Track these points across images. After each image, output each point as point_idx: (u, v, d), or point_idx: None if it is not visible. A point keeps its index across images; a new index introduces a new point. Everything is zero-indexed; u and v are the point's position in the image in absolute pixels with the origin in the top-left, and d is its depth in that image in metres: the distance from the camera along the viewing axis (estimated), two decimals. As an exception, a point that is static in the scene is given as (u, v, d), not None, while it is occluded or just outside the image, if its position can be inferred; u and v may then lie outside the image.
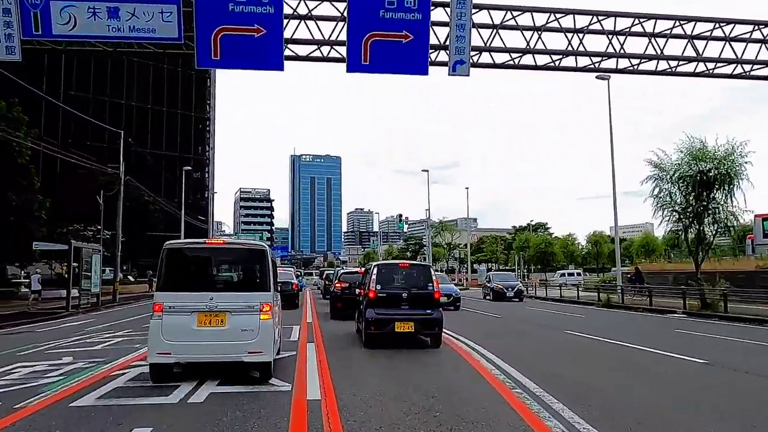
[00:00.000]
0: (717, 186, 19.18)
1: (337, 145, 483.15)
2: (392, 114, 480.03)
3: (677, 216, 20.53)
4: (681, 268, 29.37)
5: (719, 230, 20.09)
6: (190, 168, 48.52)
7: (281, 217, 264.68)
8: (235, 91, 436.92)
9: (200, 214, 66.13)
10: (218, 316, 7.73)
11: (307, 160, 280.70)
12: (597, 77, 23.57)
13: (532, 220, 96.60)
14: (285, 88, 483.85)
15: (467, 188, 58.87)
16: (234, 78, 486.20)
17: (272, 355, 8.12)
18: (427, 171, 50.08)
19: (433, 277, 11.75)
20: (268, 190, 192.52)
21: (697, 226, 20.10)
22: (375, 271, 11.67)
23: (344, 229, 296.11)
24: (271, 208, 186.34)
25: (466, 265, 70.15)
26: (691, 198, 19.93)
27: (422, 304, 11.33)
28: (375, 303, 11.24)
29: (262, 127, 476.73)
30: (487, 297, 33.58)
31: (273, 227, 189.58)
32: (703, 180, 19.26)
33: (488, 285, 34.43)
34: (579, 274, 62.01)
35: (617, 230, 26.82)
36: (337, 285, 19.22)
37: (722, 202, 19.43)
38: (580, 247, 79.70)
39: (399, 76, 19.33)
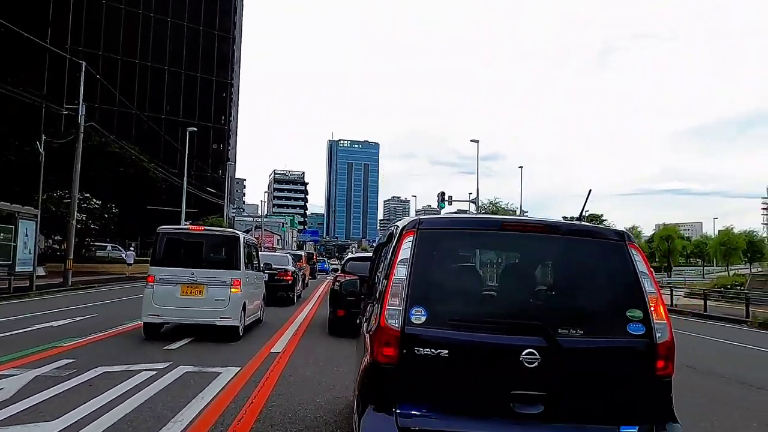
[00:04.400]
0: None
1: (375, 133, 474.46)
2: (431, 104, 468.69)
3: None
4: None
5: None
6: (194, 129, 41.38)
7: (317, 203, 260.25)
8: (274, 74, 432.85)
9: (219, 189, 59.74)
10: (198, 287, 9.74)
11: (345, 145, 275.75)
12: None
13: (587, 211, 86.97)
14: (325, 72, 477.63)
15: (521, 167, 49.91)
16: (276, 58, 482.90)
17: (240, 321, 10.03)
18: (477, 141, 41.76)
19: (647, 283, 3.05)
20: (303, 173, 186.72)
21: None
22: (408, 254, 3.02)
23: (380, 217, 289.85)
24: (306, 192, 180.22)
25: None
26: None
27: (603, 394, 2.91)
28: (405, 381, 2.88)
29: (301, 110, 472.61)
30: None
31: (306, 211, 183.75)
32: None
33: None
34: (650, 274, 53.02)
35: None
36: (339, 279, 11.47)
37: None
38: (644, 241, 70.02)
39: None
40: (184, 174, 38.90)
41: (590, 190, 4.70)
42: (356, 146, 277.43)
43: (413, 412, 2.85)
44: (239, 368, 7.49)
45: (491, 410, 2.87)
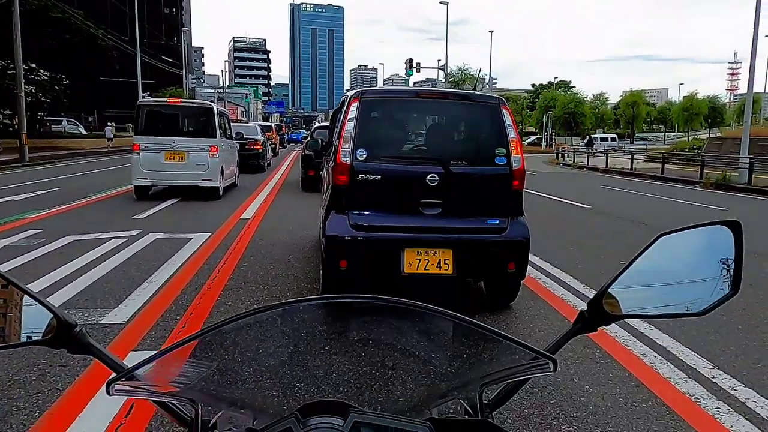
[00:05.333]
0: None
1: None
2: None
3: None
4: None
5: None
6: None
7: (281, 73, 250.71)
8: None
9: (176, 59, 56.46)
10: (179, 153, 11.09)
11: (308, 9, 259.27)
12: None
13: (556, 77, 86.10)
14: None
15: (491, 32, 48.05)
16: None
17: (219, 183, 11.45)
18: (447, 3, 39.69)
19: (511, 132, 4.48)
20: (264, 40, 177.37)
21: None
22: (354, 113, 4.37)
23: (347, 86, 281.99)
24: (268, 60, 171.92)
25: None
26: None
27: (479, 202, 4.49)
28: (353, 196, 4.37)
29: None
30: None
31: (270, 81, 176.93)
32: None
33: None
34: (614, 140, 54.10)
35: (753, 68, 18.11)
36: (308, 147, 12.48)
37: None
38: (610, 108, 70.50)
39: None
40: (136, 40, 36.36)
41: (480, 69, 6.06)
42: (320, 10, 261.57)
43: (358, 214, 4.31)
44: (210, 234, 7.63)
45: (408, 212, 4.35)
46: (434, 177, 4.27)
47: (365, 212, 4.32)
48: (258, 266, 5.93)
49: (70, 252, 6.35)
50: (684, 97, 72.32)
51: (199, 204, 10.94)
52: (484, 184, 4.46)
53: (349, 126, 4.31)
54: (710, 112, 64.73)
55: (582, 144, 47.06)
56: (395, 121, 4.83)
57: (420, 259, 4.23)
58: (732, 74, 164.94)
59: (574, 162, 32.47)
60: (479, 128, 4.80)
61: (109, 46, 38.36)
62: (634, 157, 26.42)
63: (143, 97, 35.45)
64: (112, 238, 7.15)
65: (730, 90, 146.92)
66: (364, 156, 4.28)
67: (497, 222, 4.41)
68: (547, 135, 57.02)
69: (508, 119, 4.48)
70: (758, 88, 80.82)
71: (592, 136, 55.68)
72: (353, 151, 4.27)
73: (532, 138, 65.79)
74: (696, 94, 66.19)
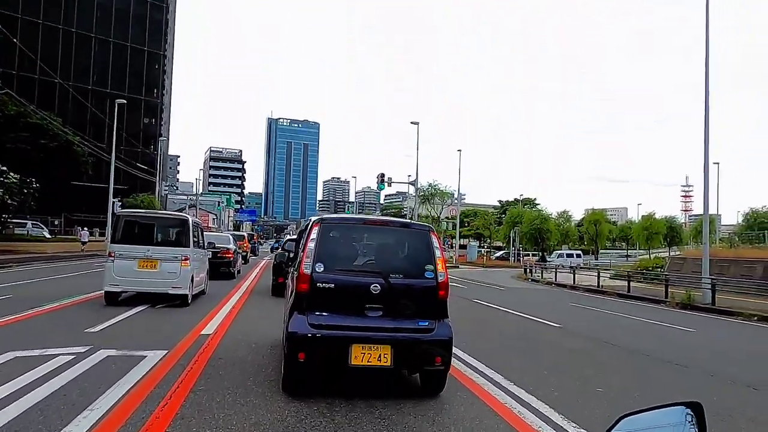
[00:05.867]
0: None
1: (316, 112, 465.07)
2: (374, 85, 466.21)
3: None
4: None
5: None
6: (123, 101, 39.25)
7: (255, 182, 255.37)
8: (211, 46, 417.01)
9: (152, 167, 57.10)
10: (152, 262, 11.35)
11: (285, 124, 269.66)
12: None
13: (521, 195, 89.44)
14: (264, 47, 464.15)
15: (459, 150, 50.62)
16: (212, 30, 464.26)
17: (189, 290, 11.67)
18: (417, 123, 41.95)
19: (438, 253, 5.66)
20: (240, 151, 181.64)
21: None
22: (315, 235, 5.51)
23: (319, 197, 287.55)
24: (243, 170, 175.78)
25: (452, 241, 62.82)
26: None
27: (412, 307, 5.50)
28: (311, 301, 5.32)
29: (239, 86, 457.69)
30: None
31: (244, 190, 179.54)
32: None
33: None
34: (579, 256, 55.35)
35: (707, 193, 18.93)
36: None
37: None
38: (574, 225, 72.88)
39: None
40: (113, 148, 36.89)
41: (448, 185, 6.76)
42: (296, 125, 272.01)
43: (315, 315, 5.25)
44: (167, 351, 7.16)
45: (355, 314, 5.31)
46: (376, 286, 5.31)
47: (321, 314, 5.25)
48: (215, 391, 5.49)
49: (9, 371, 5.82)
50: (642, 216, 75.55)
51: (161, 314, 10.52)
52: (416, 292, 5.51)
53: (311, 244, 5.39)
54: (668, 231, 67.39)
55: (535, 261, 48.00)
56: (347, 242, 5.88)
57: (364, 353, 5.15)
58: (685, 196, 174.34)
59: (542, 278, 32.81)
60: (413, 249, 5.82)
61: (84, 152, 38.74)
62: (600, 273, 26.86)
63: (114, 202, 35.36)
64: (58, 354, 6.63)
65: (684, 211, 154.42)
66: (322, 269, 5.31)
67: (427, 323, 5.41)
68: (514, 250, 58.08)
69: (435, 243, 5.66)
70: (712, 209, 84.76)
71: (558, 251, 57.06)
72: (313, 264, 5.30)
73: (500, 252, 66.98)
74: (654, 214, 69.33)
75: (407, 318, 5.37)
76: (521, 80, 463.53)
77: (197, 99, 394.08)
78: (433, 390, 5.68)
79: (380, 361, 5.13)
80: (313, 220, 5.91)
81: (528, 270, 37.59)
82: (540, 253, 53.48)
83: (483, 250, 70.32)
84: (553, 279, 30.35)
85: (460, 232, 62.71)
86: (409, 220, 6.82)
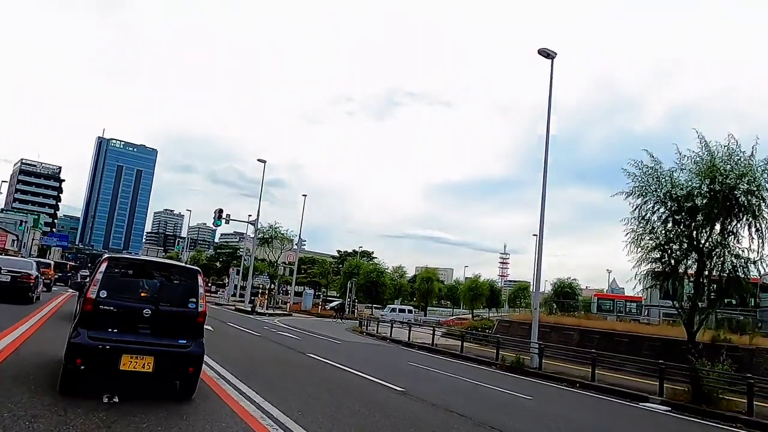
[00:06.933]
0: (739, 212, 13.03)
1: (153, 138, 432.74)
2: (216, 118, 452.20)
3: (663, 255, 14.10)
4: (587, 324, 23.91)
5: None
6: None
7: (75, 204, 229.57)
8: (32, 52, 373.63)
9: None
10: None
11: (118, 146, 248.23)
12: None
13: (360, 246, 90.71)
14: (98, 61, 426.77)
15: (305, 195, 49.58)
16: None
17: None
18: (264, 161, 40.22)
19: (201, 291, 7.34)
20: (60, 168, 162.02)
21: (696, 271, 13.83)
22: (103, 268, 6.93)
23: (148, 228, 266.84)
24: (60, 189, 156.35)
25: (286, 287, 60.81)
26: (699, 231, 13.58)
27: (175, 329, 6.95)
28: (93, 319, 6.60)
29: (65, 96, 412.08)
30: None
31: (57, 211, 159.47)
32: (717, 202, 12.96)
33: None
34: (411, 311, 56.67)
35: (540, 262, 20.03)
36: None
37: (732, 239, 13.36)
38: (407, 281, 75.29)
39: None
40: None
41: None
42: (131, 149, 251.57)
43: (95, 330, 6.52)
44: None
45: (129, 331, 6.65)
46: (148, 311, 6.74)
47: (101, 330, 6.48)
48: None
49: None
50: (467, 278, 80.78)
51: None
52: (180, 318, 7.01)
53: (98, 275, 6.77)
54: (490, 294, 72.54)
55: (335, 312, 49.51)
56: (129, 276, 7.18)
57: (132, 361, 6.47)
58: (503, 263, 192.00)
59: (377, 332, 32.39)
60: (182, 285, 7.29)
61: None
62: (435, 331, 27.09)
63: None
64: None
65: (501, 276, 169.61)
66: (105, 295, 6.64)
67: (185, 341, 6.89)
68: (350, 301, 57.81)
69: (200, 281, 7.37)
70: (528, 277, 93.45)
71: (390, 306, 58.01)
72: (98, 291, 6.61)
73: (335, 303, 66.42)
74: (479, 276, 74.34)
75: (170, 336, 6.82)
76: (378, 136, 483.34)
77: (10, 103, 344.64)
78: (187, 393, 7.23)
79: (144, 368, 6.54)
80: (104, 256, 7.41)
81: (363, 323, 37.12)
82: (339, 304, 54.87)
83: (318, 300, 69.23)
84: (388, 334, 30.04)
85: (296, 279, 60.97)
86: (183, 264, 8.65)
